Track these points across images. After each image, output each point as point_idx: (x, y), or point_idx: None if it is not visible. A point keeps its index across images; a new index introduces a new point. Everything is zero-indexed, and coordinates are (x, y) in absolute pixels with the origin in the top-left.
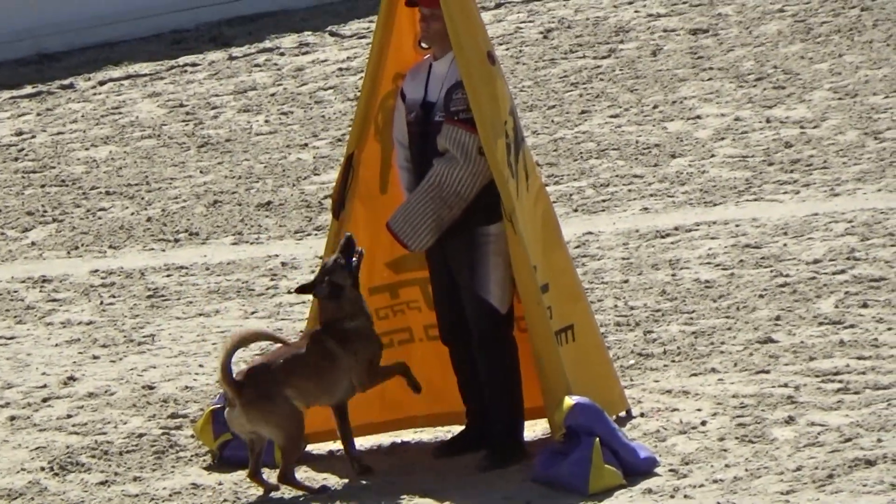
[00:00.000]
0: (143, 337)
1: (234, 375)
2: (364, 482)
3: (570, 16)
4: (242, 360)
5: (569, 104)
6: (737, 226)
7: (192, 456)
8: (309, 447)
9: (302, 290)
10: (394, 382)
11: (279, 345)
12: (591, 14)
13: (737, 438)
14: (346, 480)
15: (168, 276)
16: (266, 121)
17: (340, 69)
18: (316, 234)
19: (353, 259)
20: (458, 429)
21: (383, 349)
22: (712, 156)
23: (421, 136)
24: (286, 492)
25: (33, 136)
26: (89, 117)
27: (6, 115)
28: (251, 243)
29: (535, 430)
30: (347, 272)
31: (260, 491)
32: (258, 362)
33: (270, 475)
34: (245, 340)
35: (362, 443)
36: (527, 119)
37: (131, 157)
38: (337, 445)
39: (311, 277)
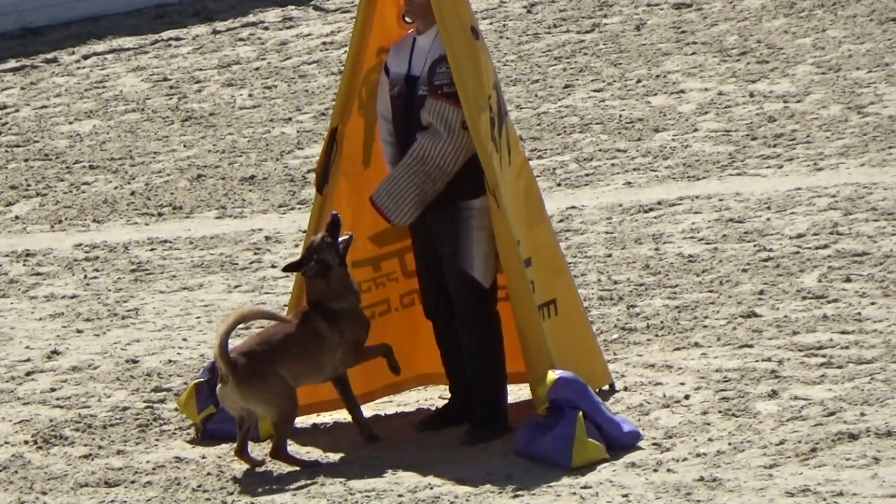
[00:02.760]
0: (127, 311)
1: (229, 351)
2: (347, 456)
3: None
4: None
5: (552, 78)
6: (720, 200)
7: (175, 429)
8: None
9: (290, 268)
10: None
11: (272, 322)
12: None
13: (720, 412)
14: (330, 455)
15: (152, 250)
16: (250, 95)
17: (324, 43)
18: (300, 209)
19: (340, 240)
20: (440, 402)
21: (369, 327)
22: (695, 130)
23: (404, 110)
24: (272, 466)
25: (17, 110)
26: (73, 91)
27: None
28: (235, 217)
29: (519, 395)
30: (335, 251)
31: (244, 465)
32: (252, 340)
33: (254, 448)
34: (245, 318)
35: (345, 416)
36: (510, 93)
37: (115, 131)
38: (321, 419)
39: (296, 252)
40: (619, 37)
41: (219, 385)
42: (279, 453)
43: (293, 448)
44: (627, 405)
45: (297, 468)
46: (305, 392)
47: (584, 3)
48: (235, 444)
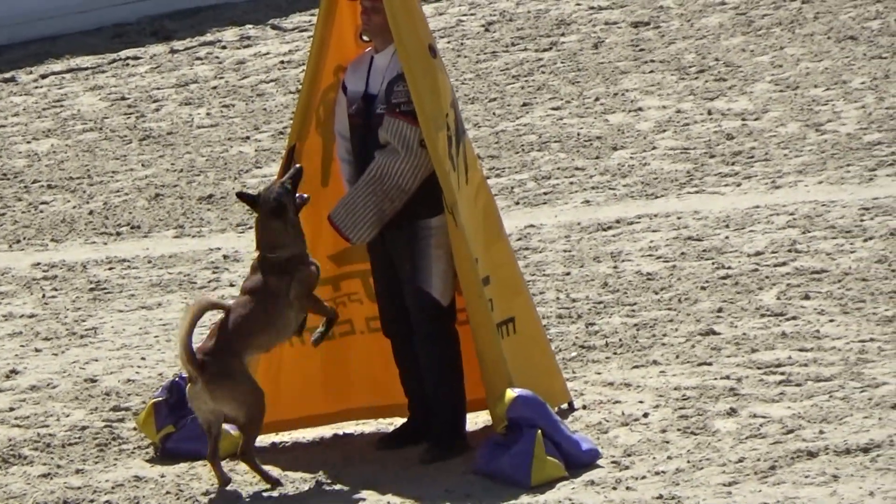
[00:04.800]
0: (86, 330)
1: (195, 353)
2: (306, 474)
3: (512, 8)
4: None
5: (510, 97)
6: (678, 218)
7: (134, 448)
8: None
9: (244, 196)
10: (336, 374)
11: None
12: (533, 7)
13: (679, 430)
14: (288, 473)
15: (110, 269)
16: (208, 114)
17: (282, 62)
18: None
19: (298, 196)
20: (400, 421)
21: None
22: (654, 148)
23: (362, 128)
24: (233, 485)
25: None
26: (31, 111)
27: None
28: (193, 236)
29: (476, 421)
30: (292, 198)
31: (203, 484)
32: (213, 335)
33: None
34: (200, 314)
35: (304, 435)
36: (468, 112)
37: (73, 150)
38: (280, 438)
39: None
40: (577, 55)
41: (188, 386)
42: (247, 457)
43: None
44: (586, 423)
45: (260, 478)
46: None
47: (541, 21)
48: (208, 451)
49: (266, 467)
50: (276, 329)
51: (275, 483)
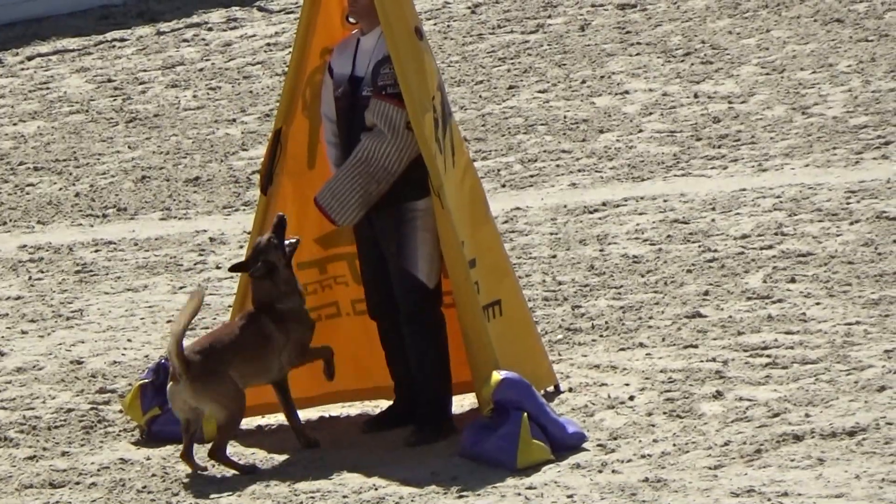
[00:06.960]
0: (72, 312)
1: (184, 350)
2: (292, 457)
3: None
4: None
5: (496, 79)
6: (665, 201)
7: (120, 431)
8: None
9: (236, 268)
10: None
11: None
12: None
13: (665, 413)
14: (274, 456)
15: (96, 251)
16: (194, 96)
17: (268, 44)
18: (244, 210)
19: (287, 243)
20: (386, 403)
21: (314, 328)
22: (640, 131)
23: (348, 111)
24: (217, 471)
25: None
26: (17, 93)
27: None
28: (179, 219)
29: (462, 404)
30: (281, 252)
31: (188, 469)
32: (204, 340)
33: (198, 450)
34: (197, 311)
35: None
36: (454, 94)
37: (59, 132)
38: (266, 421)
39: (240, 253)
40: (564, 37)
41: (170, 384)
42: (218, 454)
43: (237, 449)
44: (572, 406)
45: (235, 471)
46: (251, 394)
47: (528, 3)
48: (181, 447)
49: (250, 450)
50: (259, 366)
51: (249, 471)
